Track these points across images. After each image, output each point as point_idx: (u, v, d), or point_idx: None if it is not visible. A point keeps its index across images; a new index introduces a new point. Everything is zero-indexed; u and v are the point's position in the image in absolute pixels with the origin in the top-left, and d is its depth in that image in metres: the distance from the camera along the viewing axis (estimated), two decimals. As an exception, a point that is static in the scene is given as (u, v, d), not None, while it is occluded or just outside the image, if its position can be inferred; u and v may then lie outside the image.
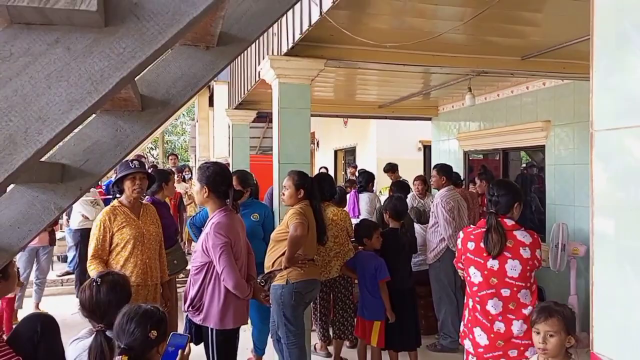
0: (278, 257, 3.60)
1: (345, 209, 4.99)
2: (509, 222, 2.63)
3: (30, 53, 0.67)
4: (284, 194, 3.73)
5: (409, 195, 6.73)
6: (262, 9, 1.77)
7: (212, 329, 2.94)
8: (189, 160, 21.68)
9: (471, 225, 2.92)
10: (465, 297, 2.78)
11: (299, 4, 3.39)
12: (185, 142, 26.66)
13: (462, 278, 2.88)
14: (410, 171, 8.07)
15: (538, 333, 2.12)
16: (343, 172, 13.59)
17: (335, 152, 14.41)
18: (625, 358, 0.94)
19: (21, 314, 5.41)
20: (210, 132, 11.61)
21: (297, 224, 3.47)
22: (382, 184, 9.47)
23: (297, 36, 3.47)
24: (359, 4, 3.31)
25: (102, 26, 0.71)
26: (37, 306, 5.89)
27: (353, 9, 3.37)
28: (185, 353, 1.82)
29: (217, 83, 9.93)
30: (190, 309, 3.01)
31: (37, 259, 5.82)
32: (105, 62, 0.72)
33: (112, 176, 4.78)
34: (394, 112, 8.39)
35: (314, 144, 15.05)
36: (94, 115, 1.66)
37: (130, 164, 3.43)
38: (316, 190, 3.81)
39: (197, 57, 1.71)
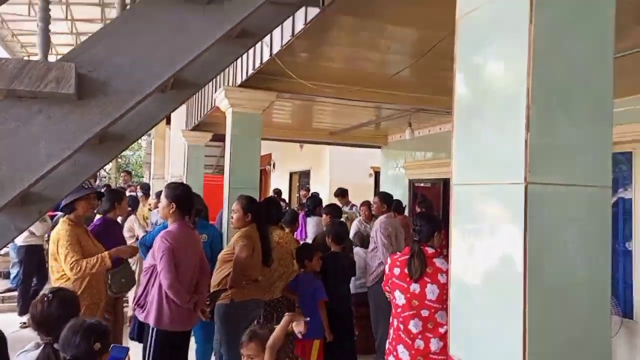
0: (224, 277, 3.79)
1: (290, 231, 5.21)
2: (430, 250, 2.96)
3: (20, 119, 0.90)
4: (232, 217, 3.95)
5: (355, 220, 7.09)
6: (213, 60, 2.04)
7: (152, 328, 3.25)
8: (142, 177, 21.35)
9: (397, 252, 3.23)
10: (391, 318, 3.08)
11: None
12: (140, 157, 26.27)
13: (388, 300, 3.18)
14: (361, 196, 8.43)
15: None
16: (297, 195, 13.85)
17: (291, 174, 14.68)
18: (472, 358, 1.23)
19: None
20: (166, 150, 11.64)
21: (243, 246, 3.69)
22: (334, 207, 9.79)
23: (250, 71, 3.75)
24: (313, 49, 3.65)
25: (76, 100, 0.95)
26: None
27: (308, 52, 3.71)
28: (126, 363, 2.00)
29: (174, 103, 10.02)
30: (136, 306, 3.36)
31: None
32: (77, 126, 0.95)
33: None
34: (347, 139, 8.81)
35: (270, 165, 15.27)
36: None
37: (84, 185, 3.56)
38: (263, 214, 4.06)
39: (153, 98, 1.95)
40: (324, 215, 5.71)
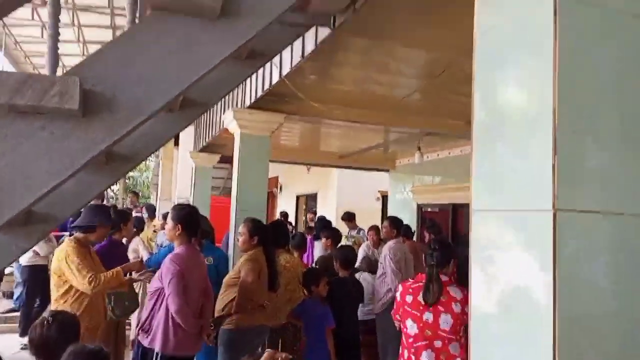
0: (229, 302, 3.71)
1: (298, 255, 5.13)
2: (444, 278, 2.87)
3: (21, 135, 0.86)
4: (238, 240, 3.89)
5: (363, 245, 6.99)
6: (222, 79, 2.01)
7: (157, 353, 3.14)
8: (149, 198, 21.38)
9: (409, 279, 3.13)
10: (400, 348, 2.96)
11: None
12: (148, 179, 26.33)
13: (398, 329, 3.07)
14: (369, 220, 8.34)
15: None
16: (304, 218, 13.77)
17: (298, 197, 14.64)
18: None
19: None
20: (173, 171, 11.65)
21: (249, 270, 3.62)
22: (340, 231, 9.69)
23: (260, 93, 3.74)
24: (322, 71, 3.64)
25: (80, 116, 0.91)
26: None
27: (317, 74, 3.70)
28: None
29: (183, 125, 10.07)
30: (140, 332, 3.27)
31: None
32: (80, 144, 0.91)
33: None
34: (354, 163, 8.77)
35: (277, 187, 15.25)
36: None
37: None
38: (270, 238, 3.99)
39: (160, 118, 1.92)
40: (323, 239, 5.62)
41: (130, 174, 25.95)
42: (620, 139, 1.04)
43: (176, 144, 11.79)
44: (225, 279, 3.84)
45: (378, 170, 9.14)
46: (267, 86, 3.60)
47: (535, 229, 1.03)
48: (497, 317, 1.13)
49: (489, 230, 1.17)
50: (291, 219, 13.15)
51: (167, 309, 3.20)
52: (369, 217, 9.66)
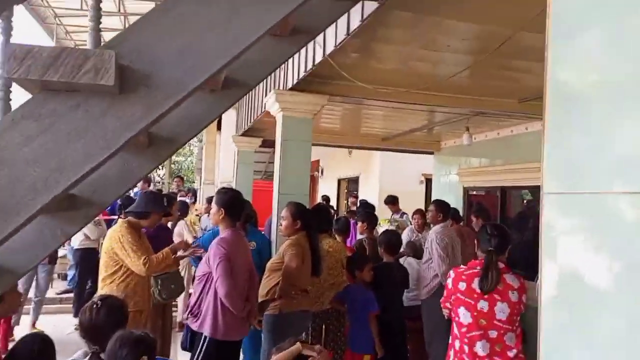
0: (272, 287, 3.68)
1: (342, 240, 5.06)
2: (501, 265, 2.71)
3: (55, 114, 0.80)
4: (281, 224, 3.84)
5: (407, 229, 6.84)
6: (264, 59, 1.92)
7: (205, 337, 3.17)
8: (194, 182, 21.86)
9: (461, 265, 2.98)
10: (451, 338, 2.84)
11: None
12: (192, 163, 26.94)
13: (447, 317, 2.94)
14: (412, 204, 8.15)
15: None
16: (345, 202, 13.68)
17: (339, 180, 14.54)
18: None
19: (18, 331, 5.46)
20: (216, 155, 11.80)
21: (293, 255, 3.57)
22: (383, 215, 9.55)
23: (302, 74, 3.64)
24: (366, 49, 3.49)
25: (117, 93, 0.84)
26: (34, 324, 5.93)
27: (360, 52, 3.55)
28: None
29: (225, 109, 10.14)
30: (189, 316, 3.30)
31: (36, 277, 5.89)
32: (117, 123, 0.85)
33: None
34: (397, 145, 8.56)
35: (318, 171, 15.20)
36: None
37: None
38: (313, 222, 3.93)
39: (202, 99, 1.86)
40: (359, 223, 5.51)
41: (175, 158, 26.65)
42: None
43: (219, 128, 11.92)
44: (268, 264, 3.81)
45: (422, 152, 8.89)
46: (309, 66, 3.49)
47: (620, 213, 0.89)
48: (569, 306, 1.01)
49: (563, 215, 1.04)
50: (333, 202, 13.11)
51: (215, 293, 3.20)
52: (412, 200, 9.46)
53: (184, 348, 3.66)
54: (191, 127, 1.84)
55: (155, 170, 26.02)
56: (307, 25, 1.94)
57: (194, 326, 3.27)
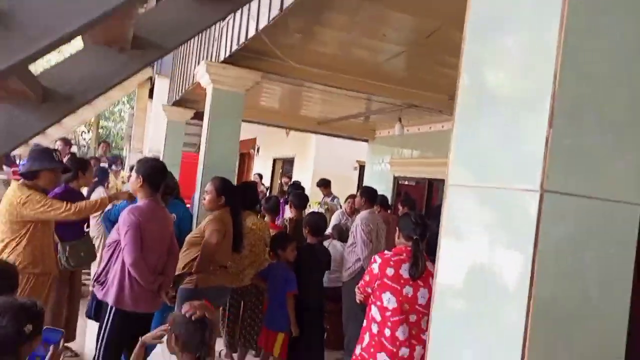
0: (190, 261, 3.57)
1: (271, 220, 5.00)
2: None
3: None
4: (204, 199, 3.72)
5: (337, 212, 6.89)
6: (183, 21, 1.80)
7: (110, 307, 3.04)
8: (122, 149, 20.87)
9: (386, 251, 2.98)
10: (366, 322, 2.87)
11: (239, 14, 3.43)
12: (122, 130, 25.66)
13: (359, 301, 2.98)
14: (345, 189, 8.24)
15: None
16: (279, 182, 13.61)
17: (275, 160, 14.42)
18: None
19: None
20: (146, 124, 11.29)
21: (213, 231, 3.47)
22: (315, 198, 9.59)
23: (234, 47, 3.49)
24: (309, 30, 3.40)
25: (-33, 30, 0.72)
26: None
27: (302, 33, 3.45)
28: (59, 349, 1.77)
29: (159, 77, 9.69)
30: (95, 284, 3.18)
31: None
32: (-36, 64, 0.72)
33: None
34: (333, 130, 8.58)
35: (254, 149, 14.99)
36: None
37: (54, 156, 3.36)
38: (238, 198, 3.83)
39: (110, 57, 1.71)
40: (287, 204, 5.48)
41: (103, 123, 25.24)
42: (628, 118, 0.90)
43: (151, 96, 11.37)
44: (188, 237, 3.69)
45: (357, 139, 8.98)
46: (242, 40, 3.35)
47: (518, 211, 0.90)
48: (463, 296, 1.02)
49: (464, 207, 1.04)
50: (266, 181, 12.98)
51: (123, 262, 3.07)
52: (345, 186, 9.56)
53: (88, 316, 3.48)
54: (94, 86, 1.70)
55: (80, 134, 24.56)
56: (233, -11, 1.83)
57: (99, 295, 3.14)
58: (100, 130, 24.17)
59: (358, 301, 3.02)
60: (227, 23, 3.72)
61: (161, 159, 7.54)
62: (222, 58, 3.83)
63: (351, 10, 3.14)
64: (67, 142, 8.84)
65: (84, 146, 22.04)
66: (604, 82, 0.87)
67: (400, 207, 6.34)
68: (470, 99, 1.04)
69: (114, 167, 8.35)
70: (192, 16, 1.81)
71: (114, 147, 20.95)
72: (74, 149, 14.53)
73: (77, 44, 1.76)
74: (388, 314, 2.75)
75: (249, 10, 3.18)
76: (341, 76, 4.44)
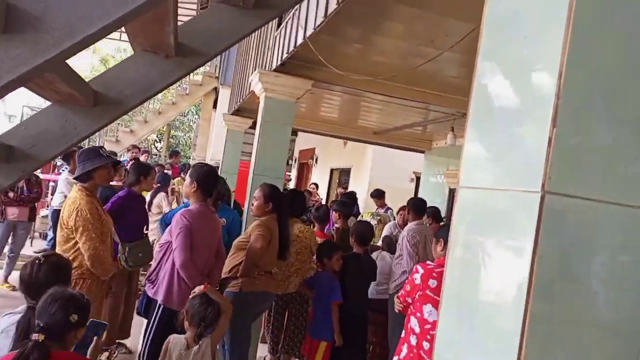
0: (236, 265, 3.67)
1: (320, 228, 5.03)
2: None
3: None
4: (253, 204, 3.82)
5: (389, 224, 6.83)
6: (225, 28, 1.89)
7: (159, 305, 3.21)
8: (189, 157, 21.82)
9: (428, 262, 2.91)
10: (404, 333, 2.82)
11: (289, 23, 3.53)
12: (190, 139, 26.87)
13: (398, 311, 2.93)
14: (401, 200, 8.10)
15: None
16: (335, 192, 13.65)
17: (332, 170, 14.51)
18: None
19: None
20: (210, 133, 11.76)
21: (258, 236, 3.56)
22: (369, 209, 9.54)
23: (285, 56, 3.59)
24: (366, 40, 3.42)
25: (0, 33, 0.81)
26: (5, 279, 5.92)
27: (361, 43, 3.48)
28: (101, 340, 1.89)
29: (222, 87, 10.10)
30: (146, 282, 3.37)
31: (14, 233, 5.87)
32: (-2, 64, 0.82)
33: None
34: (389, 140, 8.52)
35: (312, 159, 15.17)
36: (48, 103, 1.77)
37: (102, 153, 3.51)
38: (285, 205, 3.90)
39: (156, 64, 1.82)
40: (333, 213, 5.47)
41: (174, 132, 26.56)
42: (637, 121, 0.85)
43: (215, 106, 11.87)
44: (235, 242, 3.80)
45: (413, 150, 8.86)
46: (291, 48, 3.44)
47: (520, 214, 0.87)
48: (466, 298, 0.99)
49: (471, 209, 1.02)
50: (323, 191, 13.08)
51: (173, 263, 3.23)
52: (401, 197, 9.40)
53: (138, 313, 3.67)
54: (142, 91, 1.81)
55: (153, 142, 25.98)
56: (272, -1, 1.90)
57: (150, 292, 3.33)
58: (171, 140, 25.46)
59: (396, 310, 2.97)
60: (280, 32, 3.84)
61: (220, 167, 7.84)
62: (274, 67, 3.95)
63: (408, 19, 3.14)
64: (137, 148, 9.42)
65: (156, 155, 23.22)
66: (614, 79, 0.82)
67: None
68: (481, 99, 1.02)
69: (182, 174, 8.78)
70: (235, 23, 1.89)
71: (182, 155, 21.93)
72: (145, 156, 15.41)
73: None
74: (428, 326, 2.68)
75: (298, 18, 3.27)
76: (396, 85, 4.43)
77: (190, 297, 2.82)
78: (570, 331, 0.83)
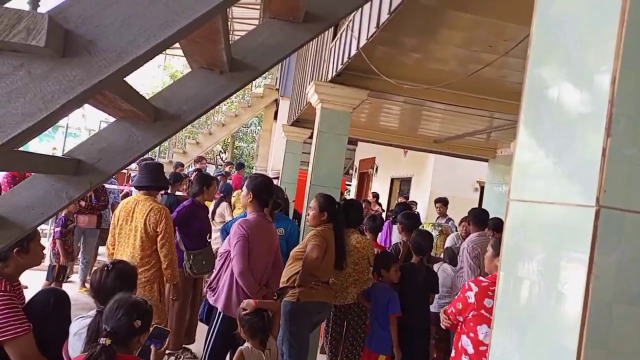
0: (294, 274, 3.71)
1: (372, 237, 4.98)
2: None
3: (-3, 73, 0.85)
4: (308, 214, 3.86)
5: (451, 235, 6.62)
6: (276, 43, 1.93)
7: (219, 313, 3.31)
8: (252, 168, 22.40)
9: (482, 278, 2.78)
10: (454, 352, 2.72)
11: (344, 34, 3.54)
12: (253, 149, 27.65)
13: (444, 327, 2.81)
14: (464, 211, 7.84)
15: None
16: (396, 202, 13.46)
17: (392, 180, 14.35)
18: None
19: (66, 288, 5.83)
20: (271, 144, 12.03)
21: (314, 246, 3.58)
22: (430, 219, 9.31)
23: (339, 67, 3.61)
24: (424, 49, 3.38)
25: (60, 57, 0.88)
26: (82, 284, 6.31)
27: (419, 52, 3.44)
28: (162, 347, 1.97)
29: (282, 99, 10.32)
30: (208, 290, 3.50)
31: (84, 240, 6.22)
32: (57, 86, 0.88)
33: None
34: (451, 149, 8.31)
35: (372, 169, 15.09)
36: (112, 120, 1.89)
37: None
38: (341, 215, 3.91)
39: (211, 80, 1.89)
40: (393, 225, 5.37)
41: (238, 144, 27.45)
42: None
43: (275, 117, 12.13)
44: (292, 252, 3.84)
45: (477, 159, 8.56)
46: (345, 59, 3.45)
47: (574, 229, 0.81)
48: (519, 316, 0.94)
49: (523, 223, 0.97)
50: (384, 201, 12.95)
51: (232, 272, 3.32)
52: (465, 207, 9.03)
53: (200, 320, 3.79)
54: (198, 106, 1.89)
55: (218, 153, 26.97)
56: (322, 11, 1.92)
57: (211, 300, 3.44)
58: (235, 150, 26.32)
59: (443, 326, 2.86)
60: (335, 43, 3.87)
61: (280, 177, 7.99)
62: (330, 77, 3.99)
63: (466, 27, 3.07)
64: (201, 159, 9.82)
65: (221, 165, 24.07)
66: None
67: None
68: (531, 108, 0.97)
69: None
70: (285, 38, 1.93)
71: (247, 166, 22.57)
72: (212, 167, 16.04)
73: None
74: (483, 348, 2.55)
75: (352, 30, 3.28)
76: (458, 93, 4.33)
77: (242, 312, 2.95)
78: (630, 357, 0.76)
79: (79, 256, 6.27)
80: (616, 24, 0.76)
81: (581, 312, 0.76)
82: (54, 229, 5.67)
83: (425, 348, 4.17)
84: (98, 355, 1.89)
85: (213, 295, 3.46)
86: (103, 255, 7.56)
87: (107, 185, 6.48)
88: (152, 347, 2.03)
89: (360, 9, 3.04)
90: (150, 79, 24.99)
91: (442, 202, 7.82)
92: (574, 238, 0.80)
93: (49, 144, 14.45)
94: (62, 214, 5.34)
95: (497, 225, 5.65)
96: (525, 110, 1.01)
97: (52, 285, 5.20)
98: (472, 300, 2.65)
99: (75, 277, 6.37)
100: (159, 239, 3.68)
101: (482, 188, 10.78)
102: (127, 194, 6.26)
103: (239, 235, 3.28)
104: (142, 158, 3.93)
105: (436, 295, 4.51)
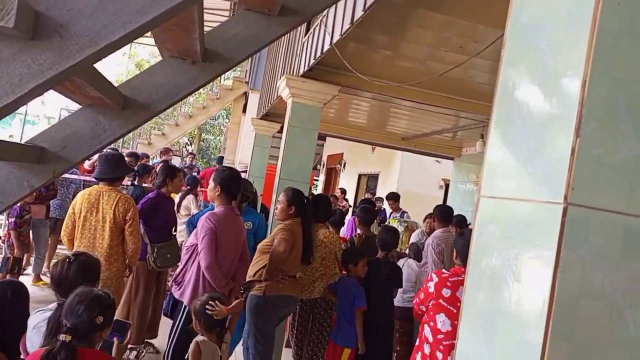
0: (260, 268, 3.70)
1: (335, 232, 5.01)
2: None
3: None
4: (276, 208, 3.85)
5: (417, 231, 6.74)
6: (251, 35, 1.91)
7: (185, 307, 3.26)
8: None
9: (444, 270, 2.90)
10: (418, 341, 2.79)
11: (317, 29, 3.54)
12: (220, 142, 27.28)
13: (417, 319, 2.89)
14: (429, 207, 8.01)
15: None
16: (363, 197, 13.59)
17: (360, 176, 14.46)
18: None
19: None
20: (239, 137, 11.91)
21: (282, 240, 3.57)
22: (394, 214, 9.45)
23: (312, 61, 3.61)
24: (395, 47, 3.41)
25: (28, 40, 0.84)
26: (37, 277, 6.06)
27: (389, 49, 3.47)
28: (125, 341, 1.92)
29: (252, 92, 10.22)
30: (173, 283, 3.45)
31: (35, 232, 5.89)
32: (26, 69, 0.85)
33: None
34: (418, 147, 8.44)
35: (340, 164, 15.17)
36: (74, 107, 1.83)
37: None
38: (309, 210, 3.91)
39: (183, 69, 1.86)
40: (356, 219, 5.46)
41: (205, 136, 27.02)
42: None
43: (244, 110, 12.01)
44: (259, 246, 3.83)
45: (442, 157, 8.74)
46: (318, 54, 3.45)
47: (542, 225, 0.84)
48: (486, 311, 0.97)
49: (491, 219, 0.99)
50: (351, 197, 13.04)
51: (199, 265, 3.27)
52: (430, 204, 9.23)
53: (164, 314, 3.74)
54: (168, 96, 1.85)
55: (184, 145, 26.50)
56: (298, 5, 1.91)
57: (176, 294, 3.38)
58: (202, 143, 25.90)
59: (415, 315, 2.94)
60: (307, 38, 3.86)
61: (248, 170, 7.93)
62: (301, 72, 3.98)
63: (438, 27, 3.11)
64: (168, 151, 9.63)
65: (192, 151, 23.56)
66: (641, 89, 0.79)
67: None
68: (503, 108, 1.00)
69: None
70: (260, 30, 1.91)
71: (213, 158, 22.22)
72: (177, 159, 15.75)
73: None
74: (441, 336, 2.64)
75: (325, 25, 3.28)
76: (426, 92, 4.40)
77: (199, 305, 2.93)
78: (594, 350, 0.80)
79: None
80: (587, 29, 0.79)
81: (547, 306, 0.79)
82: (8, 220, 5.42)
83: (389, 342, 4.24)
84: (58, 352, 1.83)
85: (178, 289, 3.41)
86: (64, 247, 7.33)
87: (67, 175, 6.25)
88: (114, 340, 1.98)
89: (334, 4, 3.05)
90: (115, 66, 24.22)
91: (394, 199, 8.02)
92: (542, 234, 0.83)
93: (5, 131, 13.85)
94: (18, 205, 5.11)
95: (461, 222, 5.80)
96: (497, 110, 1.03)
97: (7, 277, 4.99)
98: (432, 290, 2.76)
99: (30, 270, 6.13)
100: (126, 226, 3.64)
101: (447, 185, 11.04)
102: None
103: (206, 228, 3.24)
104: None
105: (400, 290, 4.59)
